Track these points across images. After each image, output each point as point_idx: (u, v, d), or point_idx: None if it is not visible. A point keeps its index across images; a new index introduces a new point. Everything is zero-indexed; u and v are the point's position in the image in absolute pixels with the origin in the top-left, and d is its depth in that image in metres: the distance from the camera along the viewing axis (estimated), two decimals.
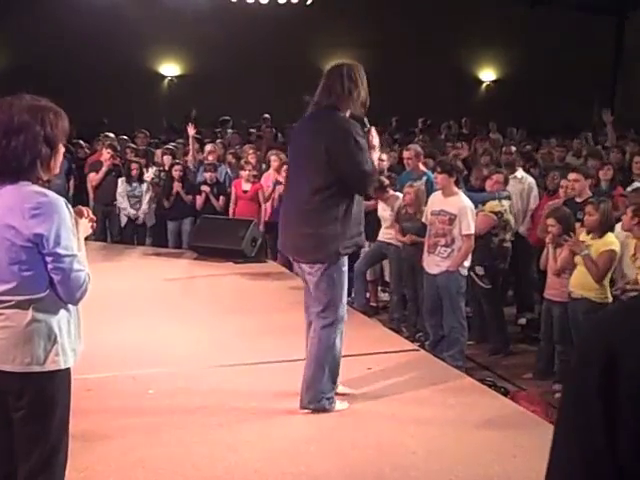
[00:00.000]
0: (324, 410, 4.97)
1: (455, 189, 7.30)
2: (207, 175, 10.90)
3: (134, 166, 11.16)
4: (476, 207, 7.87)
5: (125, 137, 13.66)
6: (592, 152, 10.32)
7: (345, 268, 5.02)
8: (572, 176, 7.67)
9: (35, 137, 2.88)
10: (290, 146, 5.08)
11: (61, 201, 2.91)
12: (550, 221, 6.97)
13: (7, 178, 2.89)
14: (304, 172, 4.87)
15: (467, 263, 7.21)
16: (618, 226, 6.86)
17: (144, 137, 13.93)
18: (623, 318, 0.96)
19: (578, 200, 7.42)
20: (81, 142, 13.30)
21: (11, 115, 2.88)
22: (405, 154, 9.21)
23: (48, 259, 2.87)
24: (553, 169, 9.36)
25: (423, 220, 7.62)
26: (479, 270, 7.68)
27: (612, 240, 6.52)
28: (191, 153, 11.79)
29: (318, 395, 4.97)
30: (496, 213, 7.73)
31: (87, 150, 13.20)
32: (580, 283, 6.58)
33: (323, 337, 4.95)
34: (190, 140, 11.82)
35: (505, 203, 7.84)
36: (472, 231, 7.11)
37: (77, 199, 11.27)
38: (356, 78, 4.85)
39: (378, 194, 8.40)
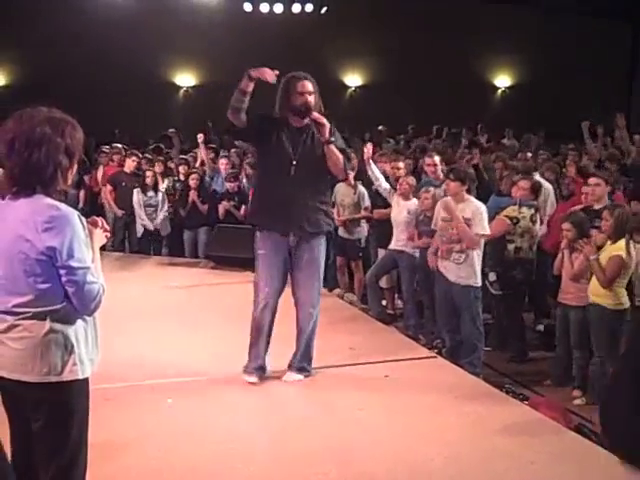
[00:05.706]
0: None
1: (466, 195, 7.24)
2: (229, 185, 10.78)
3: (149, 174, 11.16)
4: (497, 212, 7.84)
5: (152, 147, 13.69)
6: (610, 156, 10.28)
7: None
8: (593, 180, 7.50)
9: (57, 148, 2.91)
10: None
11: (74, 214, 2.93)
12: (566, 226, 6.95)
13: (24, 190, 2.91)
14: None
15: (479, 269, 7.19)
16: None
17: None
18: None
19: (596, 207, 7.27)
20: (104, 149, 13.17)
21: (32, 126, 2.90)
22: (427, 160, 8.98)
23: (62, 272, 2.89)
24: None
25: (432, 227, 7.57)
26: (491, 276, 7.65)
27: (623, 246, 6.48)
28: (204, 162, 11.83)
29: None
30: (511, 218, 7.67)
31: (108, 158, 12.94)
32: (594, 289, 6.56)
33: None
34: (202, 150, 11.85)
35: (525, 211, 7.71)
36: (487, 232, 7.09)
37: (89, 210, 11.30)
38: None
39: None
